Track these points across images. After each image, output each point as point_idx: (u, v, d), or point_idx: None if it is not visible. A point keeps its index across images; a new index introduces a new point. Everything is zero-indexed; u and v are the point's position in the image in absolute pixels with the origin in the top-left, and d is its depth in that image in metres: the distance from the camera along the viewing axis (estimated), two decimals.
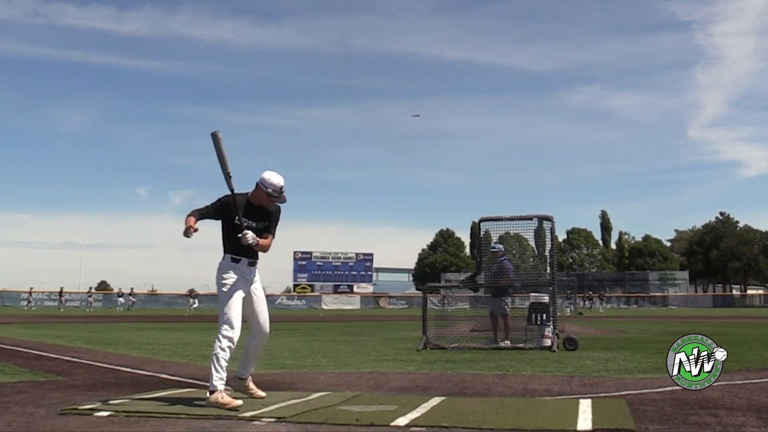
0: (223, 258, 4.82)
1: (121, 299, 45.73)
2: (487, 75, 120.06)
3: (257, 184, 4.85)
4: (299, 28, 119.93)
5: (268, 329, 4.94)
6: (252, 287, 4.84)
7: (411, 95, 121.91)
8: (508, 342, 10.01)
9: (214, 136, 4.80)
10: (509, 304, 10.49)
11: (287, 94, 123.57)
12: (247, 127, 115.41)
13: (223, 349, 4.55)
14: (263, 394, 4.96)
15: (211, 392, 4.52)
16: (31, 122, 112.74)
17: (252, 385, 4.98)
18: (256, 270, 4.92)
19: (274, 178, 4.80)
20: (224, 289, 4.71)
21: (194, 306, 43.66)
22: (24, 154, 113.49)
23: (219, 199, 4.82)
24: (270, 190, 4.80)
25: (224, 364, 4.56)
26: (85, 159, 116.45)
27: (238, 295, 4.71)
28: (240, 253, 4.78)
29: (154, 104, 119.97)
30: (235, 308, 4.66)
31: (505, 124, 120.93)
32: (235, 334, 4.62)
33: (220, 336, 4.58)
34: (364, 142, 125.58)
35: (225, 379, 4.58)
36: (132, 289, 49.13)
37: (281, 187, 4.81)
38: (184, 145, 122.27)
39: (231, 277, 4.73)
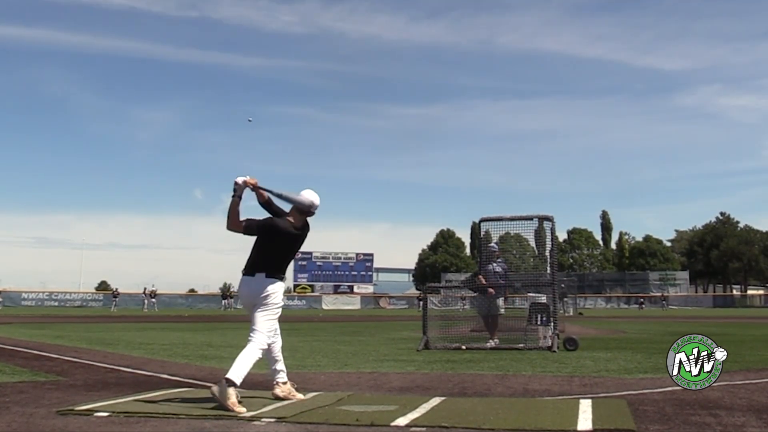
0: (281, 280, 4.98)
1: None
2: (490, 74, 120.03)
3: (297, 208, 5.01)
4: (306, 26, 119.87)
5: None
6: None
7: (414, 95, 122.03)
8: (497, 341, 10.02)
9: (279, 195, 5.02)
10: (503, 304, 10.50)
11: (290, 94, 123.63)
12: (252, 127, 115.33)
13: (260, 355, 4.75)
14: (303, 396, 5.08)
15: (230, 385, 4.45)
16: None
17: (293, 389, 5.08)
18: None
19: (316, 198, 5.02)
20: (278, 309, 4.96)
21: (229, 307, 43.50)
22: (26, 154, 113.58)
23: (267, 221, 4.98)
24: (311, 210, 5.04)
25: (251, 366, 4.66)
26: (86, 158, 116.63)
27: None
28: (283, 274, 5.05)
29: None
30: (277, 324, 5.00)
31: (508, 124, 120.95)
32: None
33: (263, 341, 4.79)
34: (366, 142, 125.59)
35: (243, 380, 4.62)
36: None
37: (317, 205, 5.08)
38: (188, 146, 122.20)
39: (282, 300, 5.01)
